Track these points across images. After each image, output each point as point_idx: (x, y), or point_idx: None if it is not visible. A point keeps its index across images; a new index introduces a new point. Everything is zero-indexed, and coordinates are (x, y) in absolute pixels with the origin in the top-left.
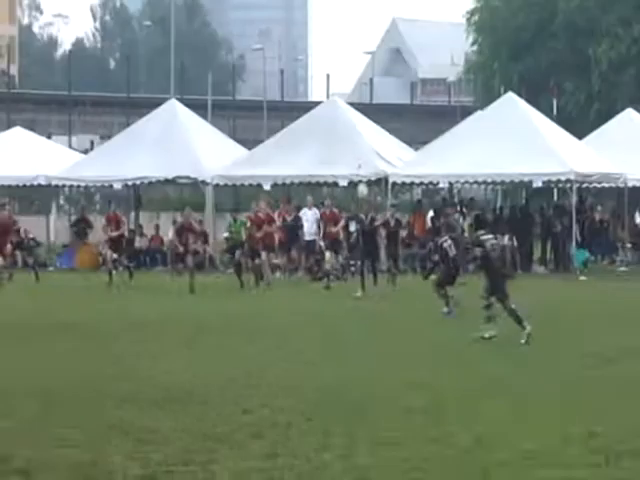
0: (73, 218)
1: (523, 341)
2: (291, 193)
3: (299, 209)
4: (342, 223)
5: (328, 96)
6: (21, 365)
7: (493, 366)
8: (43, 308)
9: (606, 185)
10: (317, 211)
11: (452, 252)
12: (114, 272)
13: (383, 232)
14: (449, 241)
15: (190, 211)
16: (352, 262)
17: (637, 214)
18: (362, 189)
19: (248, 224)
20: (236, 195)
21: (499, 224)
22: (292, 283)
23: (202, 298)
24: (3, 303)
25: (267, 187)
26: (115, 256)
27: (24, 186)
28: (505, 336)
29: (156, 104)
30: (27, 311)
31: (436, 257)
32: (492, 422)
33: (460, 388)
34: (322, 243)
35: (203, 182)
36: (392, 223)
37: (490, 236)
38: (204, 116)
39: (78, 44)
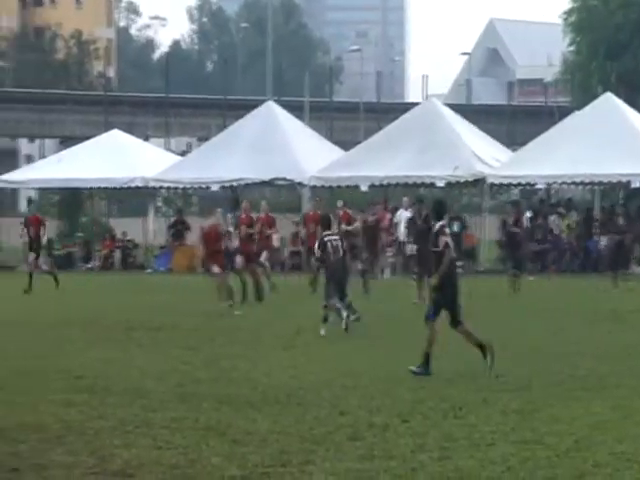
0: (171, 220)
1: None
2: (388, 194)
3: (395, 210)
4: (357, 224)
5: (425, 97)
6: (118, 366)
7: (589, 365)
8: (139, 310)
9: None
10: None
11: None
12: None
13: None
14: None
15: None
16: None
17: None
18: None
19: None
20: (333, 197)
21: (588, 223)
22: (380, 283)
23: (295, 299)
24: (93, 305)
25: (364, 188)
26: (33, 256)
27: (122, 188)
28: (601, 336)
29: (253, 106)
30: (122, 312)
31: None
32: (588, 423)
33: (556, 390)
34: None
35: (300, 184)
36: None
37: (335, 237)
38: (301, 118)
39: (175, 46)
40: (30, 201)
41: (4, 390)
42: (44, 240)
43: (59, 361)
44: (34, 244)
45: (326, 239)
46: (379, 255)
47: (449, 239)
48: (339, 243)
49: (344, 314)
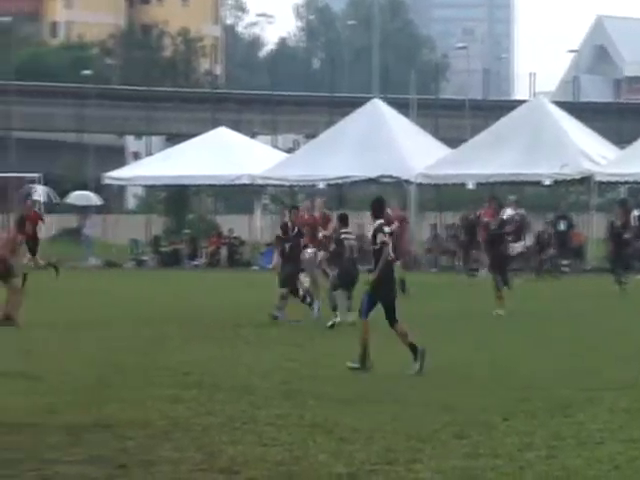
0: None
1: (329, 324)
2: (495, 192)
3: (501, 208)
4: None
5: (532, 95)
6: (225, 363)
7: None
8: (246, 307)
9: None
10: (520, 210)
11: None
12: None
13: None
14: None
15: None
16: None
17: None
18: None
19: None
20: (439, 194)
21: None
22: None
23: (409, 297)
24: (200, 302)
25: (471, 186)
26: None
27: (228, 185)
28: None
29: (359, 103)
30: (229, 309)
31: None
32: None
33: None
34: None
35: (407, 181)
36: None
37: (352, 236)
38: (407, 115)
39: (282, 44)
40: (28, 194)
41: (112, 387)
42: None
43: (167, 358)
44: (30, 243)
45: (343, 236)
46: (478, 252)
47: (387, 238)
48: (355, 243)
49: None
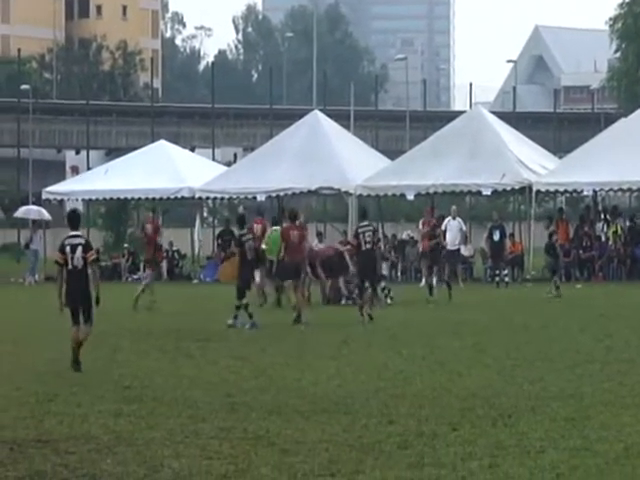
0: (217, 230)
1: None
2: (434, 203)
3: (442, 218)
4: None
5: (471, 105)
6: (167, 377)
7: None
8: (188, 320)
9: None
10: (461, 220)
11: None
12: None
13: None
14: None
15: None
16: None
17: None
18: None
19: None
20: (379, 205)
21: (635, 230)
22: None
23: (344, 309)
24: (141, 316)
25: (410, 197)
26: None
27: (168, 199)
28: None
29: (299, 115)
30: (170, 323)
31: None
32: (638, 430)
33: (605, 398)
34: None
35: (346, 193)
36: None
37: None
38: (346, 127)
39: (220, 56)
40: None
41: (54, 401)
42: None
43: (109, 371)
44: None
45: (360, 230)
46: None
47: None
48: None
49: None
